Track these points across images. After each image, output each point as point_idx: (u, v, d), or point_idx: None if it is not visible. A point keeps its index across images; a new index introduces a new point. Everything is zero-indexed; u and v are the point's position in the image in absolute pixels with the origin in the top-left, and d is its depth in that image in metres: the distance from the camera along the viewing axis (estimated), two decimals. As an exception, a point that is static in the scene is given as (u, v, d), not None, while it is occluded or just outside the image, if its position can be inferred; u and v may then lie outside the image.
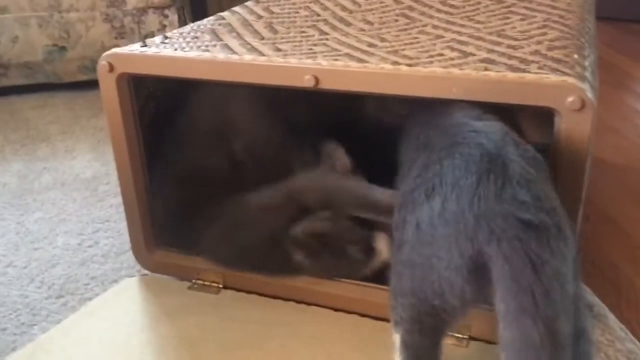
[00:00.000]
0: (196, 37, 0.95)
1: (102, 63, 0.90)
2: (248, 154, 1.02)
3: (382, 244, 0.92)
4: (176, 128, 1.05)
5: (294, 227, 0.92)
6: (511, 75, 0.73)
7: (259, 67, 0.83)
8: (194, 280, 1.01)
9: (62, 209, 1.32)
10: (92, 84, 1.54)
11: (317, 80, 0.80)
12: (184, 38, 0.95)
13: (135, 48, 0.91)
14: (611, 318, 0.94)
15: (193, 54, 0.87)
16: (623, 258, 1.08)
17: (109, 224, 1.26)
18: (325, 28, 0.97)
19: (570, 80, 0.71)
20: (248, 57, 0.85)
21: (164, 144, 1.05)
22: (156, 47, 0.91)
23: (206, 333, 0.88)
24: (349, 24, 0.98)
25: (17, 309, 1.00)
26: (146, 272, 1.06)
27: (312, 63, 0.81)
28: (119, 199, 1.33)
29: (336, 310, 0.94)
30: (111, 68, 0.90)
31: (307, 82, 0.81)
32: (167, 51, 0.89)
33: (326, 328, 0.90)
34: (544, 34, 0.87)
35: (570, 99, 0.70)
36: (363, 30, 0.95)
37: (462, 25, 0.94)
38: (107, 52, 0.90)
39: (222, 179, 1.00)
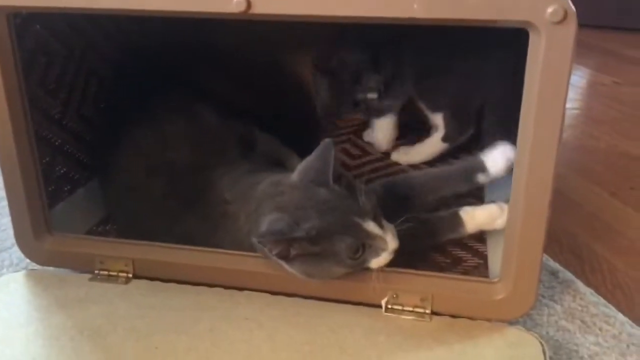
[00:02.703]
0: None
1: (-29, -6, 0.72)
2: None
3: None
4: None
5: None
6: (480, -14, 0.62)
7: (175, -10, 0.69)
8: (96, 271, 0.83)
9: None
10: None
11: (249, 3, 0.66)
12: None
13: (15, -26, 0.73)
14: (579, 283, 0.85)
15: (90, -22, 0.71)
16: (578, 226, 1.01)
17: (-11, 220, 1.04)
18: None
19: (548, -12, 0.61)
20: (160, -21, 0.69)
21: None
22: (43, -26, 0.73)
23: (113, 322, 0.70)
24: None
25: None
26: (36, 267, 0.87)
27: (243, -18, 0.67)
28: (1, 193, 1.12)
29: (274, 293, 0.79)
30: (-16, 1, 0.72)
31: (236, 6, 0.66)
32: (57, -24, 0.72)
33: (263, 309, 0.74)
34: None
35: (550, 9, 0.60)
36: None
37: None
38: (-22, -20, 0.72)
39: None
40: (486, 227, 0.86)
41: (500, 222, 0.83)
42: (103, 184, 0.98)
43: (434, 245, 0.90)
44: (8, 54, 0.76)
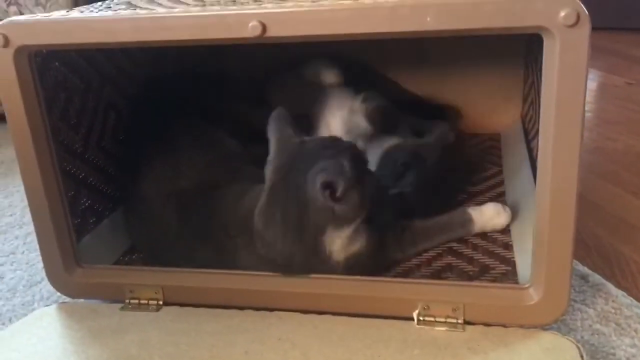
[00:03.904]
0: (109, 7, 0.81)
1: (-6, 36, 0.73)
2: None
3: None
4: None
5: None
6: (492, -5, 0.63)
7: (192, 20, 0.70)
8: (127, 300, 0.83)
9: (-43, 245, 1.10)
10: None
11: (264, 27, 0.68)
12: (95, 9, 0.81)
13: (35, 15, 0.75)
14: (610, 286, 0.84)
15: (109, 13, 0.73)
16: (603, 229, 1.00)
17: (15, 256, 1.06)
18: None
19: (559, -8, 0.62)
20: (177, 10, 0.71)
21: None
22: (61, 15, 0.75)
23: (148, 350, 0.70)
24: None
25: None
26: (66, 299, 0.87)
27: (257, 7, 0.69)
28: (25, 230, 1.14)
29: (305, 312, 0.79)
30: (6, 42, 0.74)
31: (251, 30, 0.68)
32: (76, 14, 0.74)
33: (296, 329, 0.74)
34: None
35: (563, 13, 0.60)
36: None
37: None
38: (1, 22, 0.74)
39: None
40: (489, 225, 0.92)
41: (498, 221, 0.91)
42: (126, 215, 0.99)
43: (445, 242, 0.93)
44: (31, 92, 0.78)
